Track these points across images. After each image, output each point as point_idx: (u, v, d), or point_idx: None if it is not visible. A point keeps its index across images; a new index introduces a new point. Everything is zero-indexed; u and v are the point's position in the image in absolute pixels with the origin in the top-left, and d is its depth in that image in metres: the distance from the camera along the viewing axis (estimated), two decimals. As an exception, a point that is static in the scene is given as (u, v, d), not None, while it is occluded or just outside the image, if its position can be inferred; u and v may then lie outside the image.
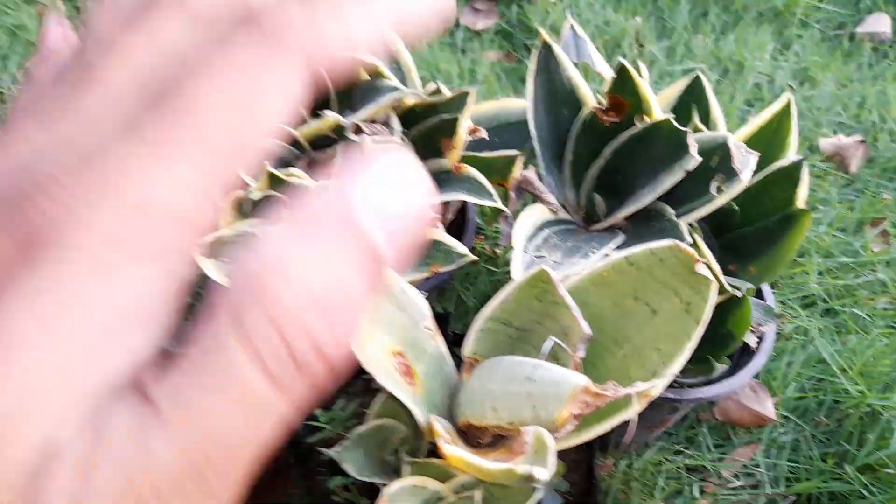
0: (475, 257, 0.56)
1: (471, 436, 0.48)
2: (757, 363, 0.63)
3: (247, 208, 0.54)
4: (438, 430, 0.42)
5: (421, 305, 0.45)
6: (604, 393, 0.39)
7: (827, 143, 1.01)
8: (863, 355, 0.78)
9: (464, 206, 0.74)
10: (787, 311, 0.83)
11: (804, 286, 0.85)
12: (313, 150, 0.64)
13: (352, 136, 0.60)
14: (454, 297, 0.84)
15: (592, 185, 0.66)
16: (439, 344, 0.47)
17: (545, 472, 0.35)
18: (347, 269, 0.13)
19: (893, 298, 0.86)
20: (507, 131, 0.73)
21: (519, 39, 1.17)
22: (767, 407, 0.74)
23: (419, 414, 0.43)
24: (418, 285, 0.59)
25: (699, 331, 0.45)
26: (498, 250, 0.86)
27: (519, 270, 0.55)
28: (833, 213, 0.93)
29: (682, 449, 0.75)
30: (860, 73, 1.15)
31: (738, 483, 0.72)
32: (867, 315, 0.84)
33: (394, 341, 0.44)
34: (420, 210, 0.14)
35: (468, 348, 0.49)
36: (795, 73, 1.11)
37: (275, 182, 0.54)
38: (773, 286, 0.85)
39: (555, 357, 0.47)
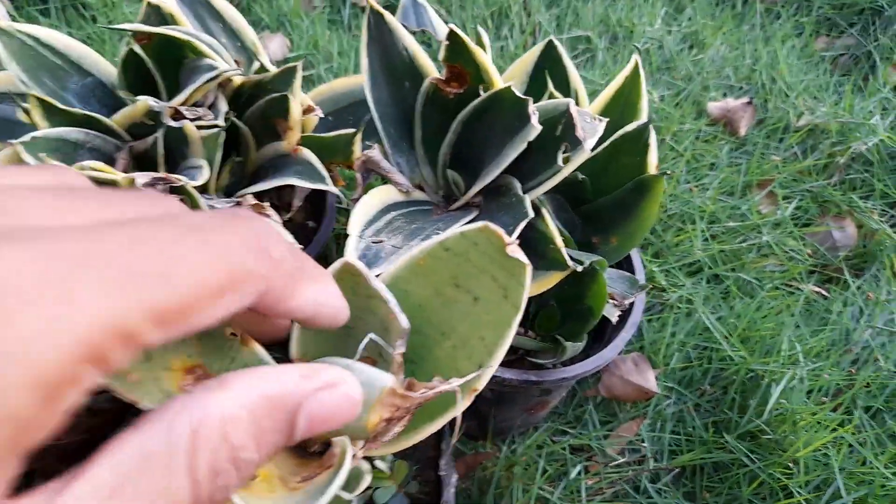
0: (299, 245, 0.51)
1: (299, 445, 0.44)
2: (623, 337, 0.61)
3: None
4: None
5: None
6: (410, 395, 0.36)
7: (715, 106, 0.99)
8: (746, 320, 0.76)
9: (323, 193, 0.70)
10: (672, 279, 0.81)
11: (689, 253, 0.83)
12: (134, 139, 0.59)
13: (169, 122, 0.55)
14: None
15: (446, 162, 0.62)
16: (255, 349, 0.43)
17: (346, 495, 0.31)
18: None
19: (781, 260, 0.85)
20: (362, 110, 0.69)
21: (407, 15, 1.12)
22: (649, 380, 0.72)
23: None
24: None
25: (518, 317, 0.41)
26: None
27: (352, 257, 0.51)
28: (720, 177, 0.91)
29: (568, 429, 0.72)
30: (752, 34, 1.14)
31: (623, 459, 0.70)
32: (755, 279, 0.83)
33: (187, 356, 0.39)
34: None
35: (293, 349, 0.45)
36: (686, 37, 1.10)
37: (65, 177, 0.49)
38: (656, 255, 0.83)
39: (379, 354, 0.43)
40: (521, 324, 0.61)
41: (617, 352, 0.61)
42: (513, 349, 0.62)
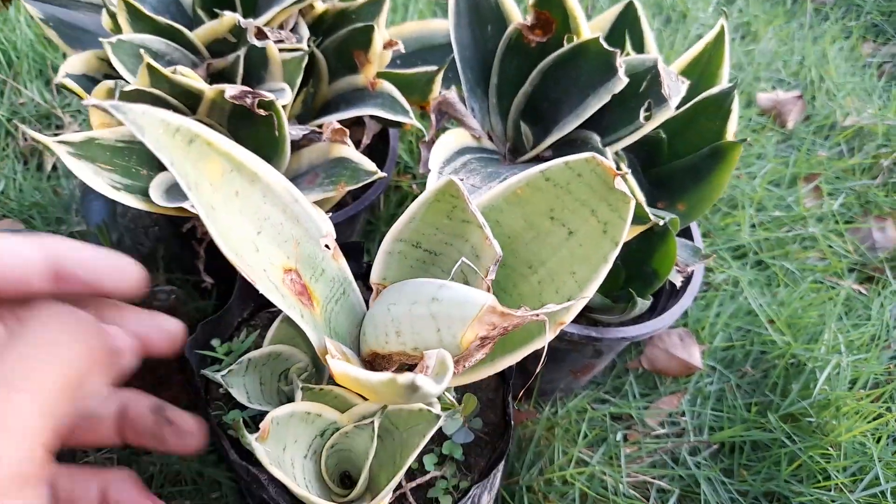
0: (383, 174, 0.51)
1: (376, 366, 0.43)
2: (683, 304, 0.61)
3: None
4: (330, 350, 0.37)
5: (318, 220, 0.40)
6: (511, 313, 0.35)
7: (765, 97, 0.99)
8: (790, 307, 0.76)
9: (385, 134, 0.69)
10: (719, 261, 0.81)
11: (736, 237, 0.83)
12: (212, 56, 0.58)
13: (253, 41, 0.54)
14: (377, 238, 0.79)
15: (519, 114, 0.61)
16: (342, 266, 0.42)
17: (431, 383, 0.30)
18: None
19: (823, 254, 0.85)
20: (433, 54, 0.68)
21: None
22: (694, 355, 0.72)
23: (314, 336, 0.38)
24: (331, 214, 0.54)
25: (615, 253, 0.41)
26: (420, 169, 0.81)
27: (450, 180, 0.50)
28: (768, 166, 0.91)
29: (608, 398, 0.72)
30: (801, 32, 1.13)
31: (663, 431, 0.70)
32: (797, 269, 0.83)
33: (284, 255, 0.38)
34: None
35: (376, 273, 0.44)
36: (738, 27, 1.09)
37: (157, 79, 0.48)
38: (705, 235, 0.83)
39: (465, 281, 0.42)
40: (583, 281, 0.61)
41: (675, 318, 0.60)
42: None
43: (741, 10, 1.13)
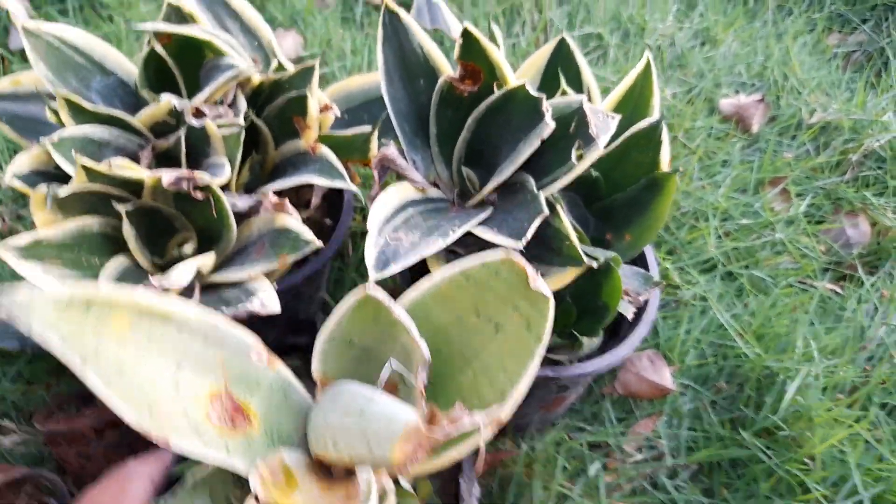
0: (320, 243, 0.52)
1: (324, 467, 0.43)
2: (639, 333, 0.61)
3: (62, 203, 0.50)
4: (260, 474, 0.37)
5: (242, 337, 0.40)
6: (433, 433, 0.35)
7: (727, 103, 0.99)
8: (761, 317, 0.77)
9: (340, 191, 0.70)
10: (686, 276, 0.81)
11: (703, 250, 0.83)
12: (156, 137, 0.60)
13: (191, 121, 0.56)
14: (347, 285, 0.80)
15: (461, 159, 0.63)
16: (279, 371, 0.43)
17: None
18: None
19: (794, 258, 0.85)
20: (378, 106, 0.69)
21: (420, 15, 1.13)
22: (665, 377, 0.73)
23: (241, 467, 0.37)
24: (282, 280, 0.56)
25: (541, 349, 0.41)
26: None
27: (371, 255, 0.52)
28: (733, 173, 0.91)
29: (585, 426, 0.73)
30: (764, 31, 1.13)
31: (641, 456, 0.70)
32: (769, 276, 0.83)
33: (210, 382, 0.39)
34: None
35: (316, 368, 0.44)
36: (698, 34, 1.10)
37: (94, 176, 0.50)
38: (670, 252, 0.84)
39: (401, 378, 0.43)
40: (537, 320, 0.62)
41: (633, 348, 0.61)
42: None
43: (702, 15, 1.13)
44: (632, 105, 0.61)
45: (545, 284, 0.37)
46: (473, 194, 0.62)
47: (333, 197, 0.71)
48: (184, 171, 0.51)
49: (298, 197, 0.66)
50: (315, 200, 0.64)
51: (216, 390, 0.38)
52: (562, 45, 0.65)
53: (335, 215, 0.70)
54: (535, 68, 0.66)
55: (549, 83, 0.67)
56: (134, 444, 0.63)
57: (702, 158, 0.92)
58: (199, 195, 0.51)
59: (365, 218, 0.85)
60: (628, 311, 0.60)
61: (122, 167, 0.50)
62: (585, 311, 0.60)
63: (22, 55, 1.02)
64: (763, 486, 0.66)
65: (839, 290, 0.84)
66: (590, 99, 0.68)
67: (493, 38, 0.59)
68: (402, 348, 0.41)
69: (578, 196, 0.62)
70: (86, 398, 0.69)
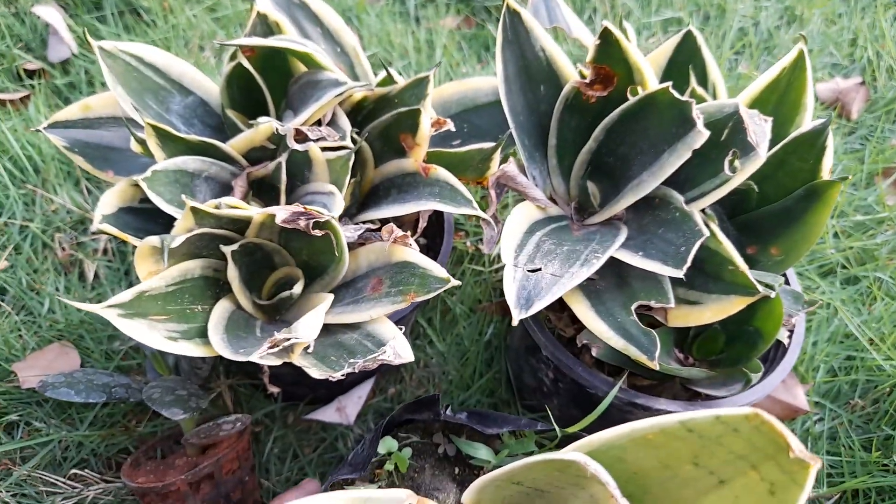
0: (457, 282, 0.46)
1: None
2: (790, 359, 0.55)
3: (171, 254, 0.44)
4: None
5: (393, 496, 0.34)
6: None
7: (825, 88, 0.92)
8: (891, 326, 0.70)
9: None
10: (806, 282, 0.75)
11: (820, 253, 0.77)
12: (251, 164, 0.54)
13: (293, 145, 0.50)
14: (438, 306, 0.75)
15: (583, 172, 0.56)
16: None
17: None
18: None
19: (915, 254, 0.79)
20: (478, 115, 0.63)
21: (478, 1, 1.06)
22: (799, 397, 0.67)
23: None
24: (390, 316, 0.50)
25: None
26: (482, 247, 0.76)
27: (512, 292, 0.46)
28: (840, 166, 0.84)
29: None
30: (847, 7, 1.05)
31: (773, 484, 0.64)
32: (891, 277, 0.76)
33: None
34: None
35: (468, 499, 0.38)
36: (781, 14, 1.02)
37: (202, 217, 0.44)
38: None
39: None
40: (679, 347, 0.56)
41: (785, 374, 0.55)
42: (659, 373, 0.56)
43: (781, -7, 1.06)
44: (775, 100, 0.55)
45: (807, 452, 0.29)
46: (594, 210, 0.56)
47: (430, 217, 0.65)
48: (299, 207, 0.45)
49: (400, 219, 0.60)
50: (422, 224, 0.58)
51: None
52: (687, 38, 0.58)
53: (432, 234, 0.65)
54: (657, 65, 0.60)
55: (673, 80, 0.60)
56: (230, 495, 0.58)
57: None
58: (317, 232, 0.45)
59: (455, 230, 0.79)
60: (784, 337, 0.53)
61: (233, 206, 0.45)
62: (735, 338, 0.54)
63: (63, 67, 0.96)
64: (920, 516, 0.60)
65: (965, 288, 0.77)
66: (715, 96, 0.62)
67: (626, 37, 0.52)
68: (589, 498, 0.34)
69: (721, 207, 0.56)
70: (172, 441, 0.64)
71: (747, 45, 0.97)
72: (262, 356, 0.41)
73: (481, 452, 0.52)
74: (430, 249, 0.64)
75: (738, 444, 0.31)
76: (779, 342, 0.56)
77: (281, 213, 0.44)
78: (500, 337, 0.71)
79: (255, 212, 0.45)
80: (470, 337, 0.71)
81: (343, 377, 0.41)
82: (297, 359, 0.42)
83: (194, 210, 0.42)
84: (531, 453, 0.52)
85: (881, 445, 0.64)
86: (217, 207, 0.44)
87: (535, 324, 0.56)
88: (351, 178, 0.57)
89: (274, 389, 0.57)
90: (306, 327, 0.42)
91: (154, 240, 0.42)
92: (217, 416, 0.56)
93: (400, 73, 0.93)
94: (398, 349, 0.45)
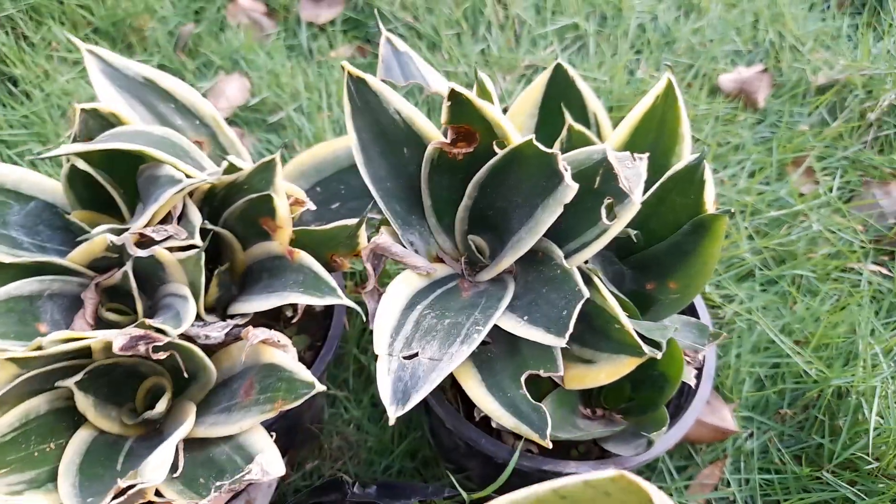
0: (322, 387, 0.43)
1: None
2: (701, 396, 0.53)
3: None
4: None
5: None
6: None
7: (728, 79, 0.90)
8: (814, 324, 0.69)
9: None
10: (723, 291, 0.73)
11: (736, 258, 0.75)
12: (99, 272, 0.49)
13: (136, 252, 0.46)
14: (351, 365, 0.71)
15: (465, 227, 0.53)
16: None
17: None
18: None
19: (833, 244, 0.77)
20: (354, 175, 0.59)
21: (372, 28, 1.02)
22: (726, 417, 0.65)
23: None
24: (268, 424, 0.46)
25: None
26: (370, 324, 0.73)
27: (387, 388, 0.42)
28: (750, 160, 0.82)
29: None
30: (747, -12, 1.04)
31: (712, 512, 0.63)
32: (810, 272, 0.75)
33: None
34: None
35: None
36: (679, 5, 1.00)
37: (24, 363, 0.40)
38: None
39: None
40: (586, 403, 0.53)
41: (696, 414, 0.53)
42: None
43: (678, -19, 1.03)
44: (654, 130, 0.52)
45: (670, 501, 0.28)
46: (485, 264, 0.53)
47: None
48: (136, 330, 0.41)
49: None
50: (302, 305, 0.54)
51: None
52: (557, 71, 0.55)
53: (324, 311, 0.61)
54: (532, 102, 0.57)
55: (549, 117, 0.57)
56: None
57: (713, 147, 0.83)
58: (160, 355, 0.41)
59: (359, 283, 0.75)
60: (690, 377, 0.51)
61: (58, 341, 0.40)
62: (641, 383, 0.51)
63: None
64: (857, 528, 0.59)
65: (885, 271, 0.76)
66: (598, 129, 0.59)
67: (484, 91, 0.49)
68: None
69: (610, 251, 0.53)
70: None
71: (646, 43, 0.95)
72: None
73: None
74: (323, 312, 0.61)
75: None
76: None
77: (118, 339, 0.40)
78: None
79: (89, 340, 0.41)
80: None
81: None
82: (153, 497, 0.39)
83: (12, 359, 0.38)
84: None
85: (812, 456, 0.63)
86: (39, 348, 0.39)
87: (434, 399, 0.53)
88: (218, 265, 0.53)
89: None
90: (154, 468, 0.38)
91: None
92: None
93: (290, 118, 0.89)
94: (266, 465, 0.41)
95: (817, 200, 0.79)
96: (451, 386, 0.57)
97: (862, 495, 0.59)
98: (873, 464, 0.59)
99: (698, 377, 0.53)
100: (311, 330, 0.60)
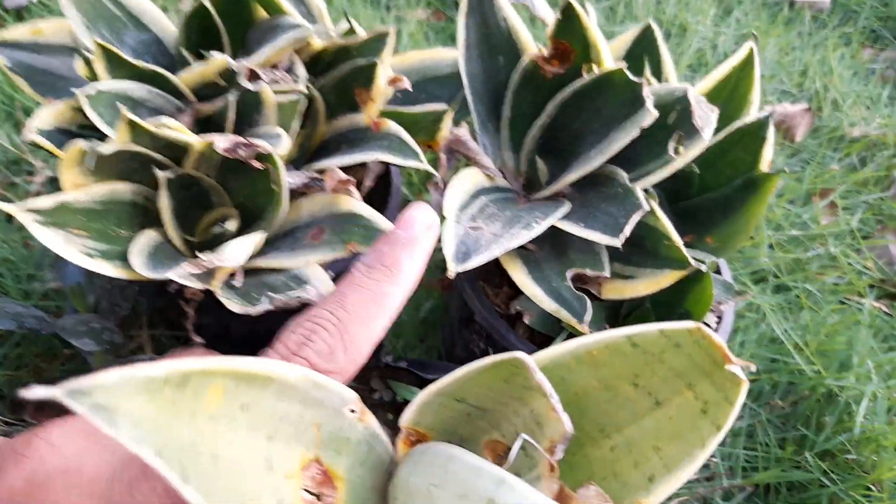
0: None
1: None
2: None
3: (95, 164, 0.42)
4: None
5: (341, 392, 0.33)
6: None
7: (773, 110, 0.96)
8: (816, 333, 0.73)
9: (387, 173, 0.64)
10: (739, 285, 0.77)
11: (755, 260, 0.79)
12: (199, 100, 0.53)
13: (245, 84, 0.49)
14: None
15: (534, 147, 0.57)
16: (369, 424, 0.35)
17: None
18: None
19: (843, 272, 0.82)
20: (437, 86, 0.64)
21: (449, -4, 1.07)
22: (722, 392, 0.68)
23: None
24: (328, 266, 0.49)
25: (717, 439, 0.34)
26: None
27: (451, 246, 0.46)
28: (782, 184, 0.88)
29: (631, 440, 0.68)
30: (801, 41, 1.11)
31: (693, 477, 0.66)
32: (817, 290, 0.79)
33: (303, 449, 0.32)
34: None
35: (408, 418, 0.36)
36: (738, 40, 1.06)
37: (139, 134, 0.43)
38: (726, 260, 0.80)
39: (524, 451, 0.35)
40: (611, 324, 0.57)
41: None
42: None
43: (738, 21, 1.10)
44: (725, 97, 0.57)
45: (740, 368, 0.31)
46: (542, 187, 0.57)
47: (378, 181, 0.65)
48: (240, 138, 0.44)
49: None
50: (368, 182, 0.58)
51: (307, 458, 0.31)
52: (647, 31, 0.60)
53: (376, 199, 0.64)
54: (616, 54, 0.61)
55: (631, 70, 0.62)
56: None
57: (748, 165, 0.89)
58: (257, 164, 0.45)
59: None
60: (711, 321, 0.55)
61: (172, 128, 0.44)
62: (664, 318, 0.55)
63: (17, 14, 0.93)
64: (827, 513, 0.62)
65: (886, 309, 0.81)
66: (669, 91, 0.63)
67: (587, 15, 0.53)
68: (530, 415, 0.34)
69: (662, 192, 0.57)
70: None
71: (703, 64, 1.01)
72: (182, 276, 0.40)
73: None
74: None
75: (678, 361, 0.32)
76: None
77: (221, 141, 0.44)
78: (436, 313, 0.71)
79: (194, 139, 0.44)
80: (407, 311, 0.71)
81: (262, 312, 0.41)
82: (217, 287, 0.42)
83: (131, 124, 0.41)
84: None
85: (795, 443, 0.67)
86: (157, 126, 0.43)
87: (472, 290, 0.56)
88: (300, 129, 0.56)
89: (198, 340, 0.55)
90: (233, 251, 0.41)
91: (80, 142, 0.41)
92: (131, 357, 0.55)
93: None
94: (321, 288, 0.44)
95: (836, 230, 0.84)
96: (483, 292, 0.60)
97: (836, 481, 0.62)
98: (852, 455, 0.63)
99: (717, 323, 0.56)
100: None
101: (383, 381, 0.52)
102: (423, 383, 0.52)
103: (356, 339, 0.31)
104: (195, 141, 0.45)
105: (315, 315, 0.31)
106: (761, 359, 0.73)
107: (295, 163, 0.57)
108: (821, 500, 0.63)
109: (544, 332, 0.53)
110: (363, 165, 0.59)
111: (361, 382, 0.52)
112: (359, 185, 0.59)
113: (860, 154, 0.95)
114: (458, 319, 0.65)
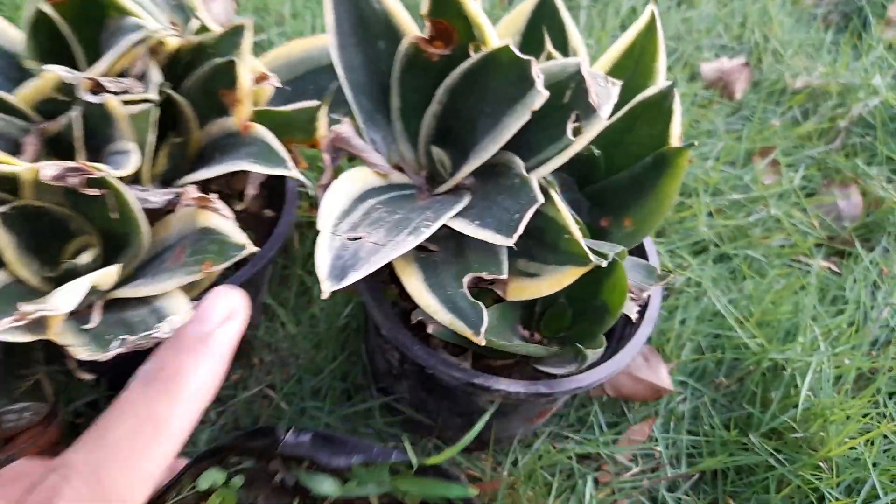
0: (254, 247, 0.41)
1: None
2: (640, 336, 0.53)
3: None
4: None
5: None
6: None
7: (709, 68, 0.91)
8: (760, 302, 0.69)
9: (281, 177, 0.59)
10: (677, 260, 0.73)
11: (693, 231, 0.75)
12: (46, 118, 0.47)
13: (87, 97, 0.44)
14: (294, 285, 0.69)
15: (430, 137, 0.52)
16: None
17: None
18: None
19: (788, 234, 0.79)
20: (327, 76, 0.58)
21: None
22: (662, 376, 0.65)
23: None
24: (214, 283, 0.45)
25: None
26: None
27: (325, 263, 0.41)
28: (720, 145, 0.83)
29: (572, 434, 0.64)
30: (740, -10, 1.06)
31: (637, 468, 0.63)
32: (762, 255, 0.76)
33: None
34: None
35: None
36: (672, -7, 1.01)
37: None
38: (659, 234, 0.76)
39: None
40: (526, 325, 0.53)
41: (635, 352, 0.53)
42: (513, 355, 0.53)
43: (674, -27, 1.05)
44: (630, 70, 0.52)
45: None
46: (444, 178, 0.52)
47: (275, 184, 0.60)
48: (69, 162, 0.39)
49: (231, 187, 0.55)
50: (250, 191, 0.53)
51: None
52: (544, 0, 0.55)
53: (278, 204, 0.59)
54: (514, 28, 0.56)
55: (530, 46, 0.57)
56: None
57: (686, 128, 0.84)
58: (92, 191, 0.40)
59: (313, 205, 0.74)
60: (632, 312, 0.51)
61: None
62: (581, 313, 0.51)
63: None
64: (775, 496, 0.59)
65: (835, 267, 0.78)
66: (577, 63, 0.59)
67: (466, -10, 0.48)
68: None
69: (571, 178, 0.53)
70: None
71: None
72: (4, 329, 0.35)
73: (325, 486, 0.46)
74: (275, 221, 0.59)
75: None
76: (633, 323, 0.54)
77: (48, 168, 0.38)
78: (358, 318, 0.67)
79: (22, 167, 0.39)
80: (326, 319, 0.66)
81: (112, 358, 0.36)
82: (56, 336, 0.37)
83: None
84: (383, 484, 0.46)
85: (741, 424, 0.64)
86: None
87: (374, 300, 0.52)
88: (172, 138, 0.51)
89: (86, 377, 0.50)
90: (63, 295, 0.37)
91: None
92: (4, 405, 0.50)
93: (271, 43, 0.88)
94: (177, 325, 0.40)
95: (779, 189, 0.80)
96: (395, 298, 0.56)
97: (784, 462, 0.59)
98: (799, 434, 0.60)
99: (640, 314, 0.53)
100: (260, 231, 0.59)
101: (284, 462, 0.46)
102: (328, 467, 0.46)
103: (118, 486, 0.24)
104: (21, 170, 0.40)
105: (62, 464, 0.24)
106: (704, 335, 0.69)
107: (167, 175, 0.52)
108: (769, 484, 0.60)
109: (454, 343, 0.49)
110: (245, 173, 0.54)
111: (260, 462, 0.46)
112: (241, 196, 0.54)
113: (802, 106, 0.91)
114: (373, 328, 0.60)
